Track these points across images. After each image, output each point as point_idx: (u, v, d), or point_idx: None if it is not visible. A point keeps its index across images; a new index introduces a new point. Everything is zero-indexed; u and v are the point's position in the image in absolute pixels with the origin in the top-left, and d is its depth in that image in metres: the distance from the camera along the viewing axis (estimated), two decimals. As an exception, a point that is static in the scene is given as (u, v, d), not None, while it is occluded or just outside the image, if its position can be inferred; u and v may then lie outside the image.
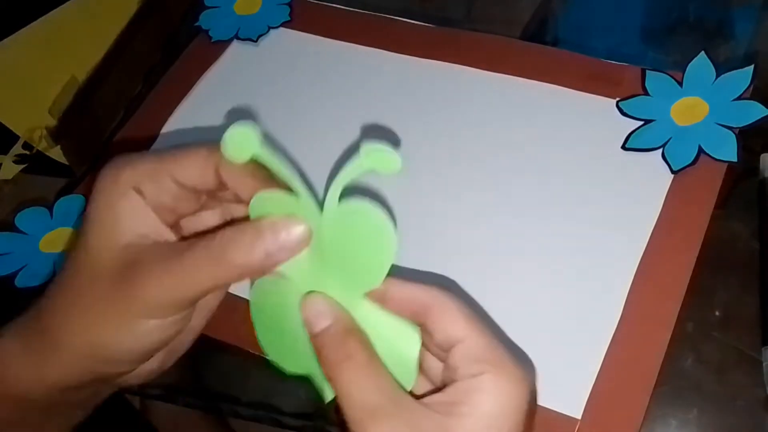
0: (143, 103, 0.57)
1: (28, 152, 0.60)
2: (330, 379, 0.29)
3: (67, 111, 0.61)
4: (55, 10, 0.61)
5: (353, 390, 0.28)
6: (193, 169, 0.31)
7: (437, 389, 0.29)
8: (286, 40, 0.58)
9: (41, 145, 0.60)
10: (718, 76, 0.46)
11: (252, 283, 0.32)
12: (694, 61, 0.47)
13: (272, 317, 0.32)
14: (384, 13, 0.57)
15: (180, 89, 0.57)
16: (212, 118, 0.54)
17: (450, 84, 0.52)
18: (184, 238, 0.32)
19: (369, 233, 0.28)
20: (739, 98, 0.45)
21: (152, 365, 0.33)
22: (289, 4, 0.59)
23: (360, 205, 0.28)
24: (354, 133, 0.51)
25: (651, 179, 0.45)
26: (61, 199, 0.52)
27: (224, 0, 0.61)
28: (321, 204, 0.28)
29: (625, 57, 0.50)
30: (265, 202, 0.29)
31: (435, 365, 0.31)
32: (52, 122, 0.60)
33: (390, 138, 0.50)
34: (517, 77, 0.51)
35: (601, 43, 0.53)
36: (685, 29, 0.54)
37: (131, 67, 0.62)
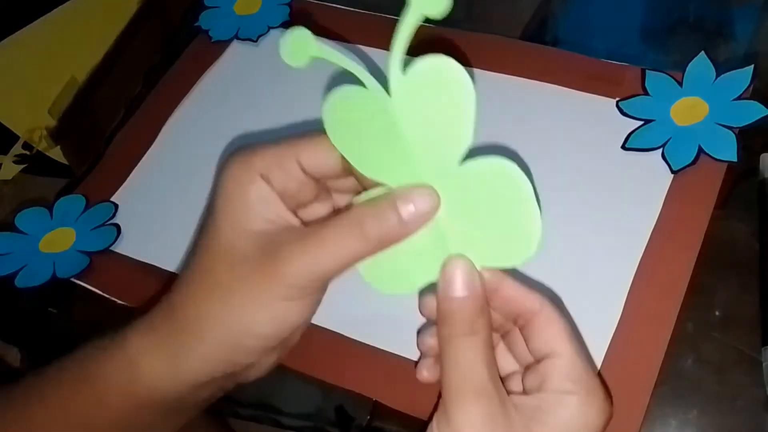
0: (143, 103, 0.57)
1: (28, 152, 0.60)
2: (445, 344, 0.29)
3: (67, 111, 0.61)
4: (55, 10, 0.61)
5: (465, 363, 0.29)
6: (321, 154, 0.31)
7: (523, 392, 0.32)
8: (286, 40, 0.58)
9: (41, 145, 0.60)
10: (718, 76, 0.46)
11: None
12: (694, 61, 0.47)
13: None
14: (384, 13, 0.57)
15: (180, 89, 0.57)
16: (212, 118, 0.54)
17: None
18: (304, 225, 0.32)
19: (445, 91, 0.27)
20: (739, 98, 0.45)
21: (272, 359, 0.34)
22: (289, 4, 0.59)
23: (428, 63, 0.27)
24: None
25: (651, 179, 0.45)
26: (61, 199, 0.52)
27: (224, 0, 0.61)
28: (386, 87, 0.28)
29: (625, 57, 0.50)
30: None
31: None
32: (52, 122, 0.60)
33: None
34: (517, 77, 0.51)
35: (601, 43, 0.53)
36: (685, 29, 0.54)
37: (131, 67, 0.62)
